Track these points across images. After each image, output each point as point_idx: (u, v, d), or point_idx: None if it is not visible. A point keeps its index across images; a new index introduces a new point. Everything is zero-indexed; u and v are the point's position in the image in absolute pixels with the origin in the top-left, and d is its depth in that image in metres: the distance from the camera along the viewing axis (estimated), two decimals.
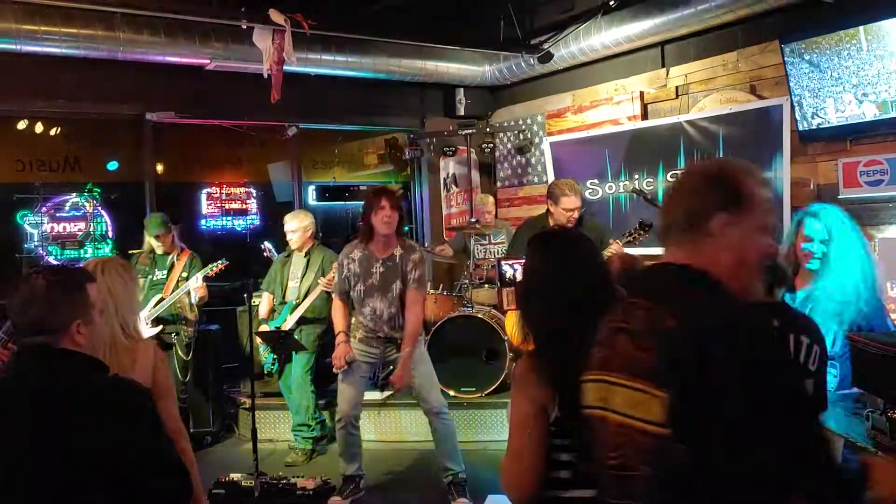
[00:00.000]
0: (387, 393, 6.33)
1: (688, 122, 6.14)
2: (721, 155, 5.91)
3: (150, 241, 5.77)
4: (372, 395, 6.28)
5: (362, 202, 9.36)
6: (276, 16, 5.69)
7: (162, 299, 5.60)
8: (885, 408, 2.61)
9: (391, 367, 5.02)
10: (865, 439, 2.67)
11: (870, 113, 4.94)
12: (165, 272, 5.73)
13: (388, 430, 6.10)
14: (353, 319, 4.90)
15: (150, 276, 5.72)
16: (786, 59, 5.27)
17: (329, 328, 5.61)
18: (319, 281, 5.68)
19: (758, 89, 5.79)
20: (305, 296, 5.76)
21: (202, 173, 9.14)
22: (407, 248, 4.78)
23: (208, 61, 6.28)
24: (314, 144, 9.44)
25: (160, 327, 5.62)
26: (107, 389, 2.03)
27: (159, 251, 5.78)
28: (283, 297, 5.86)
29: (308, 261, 5.87)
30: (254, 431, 4.49)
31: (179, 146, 8.50)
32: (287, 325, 5.68)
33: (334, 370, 4.82)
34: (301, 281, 5.82)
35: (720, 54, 6.05)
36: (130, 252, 5.86)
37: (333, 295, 4.97)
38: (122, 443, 1.94)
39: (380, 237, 4.68)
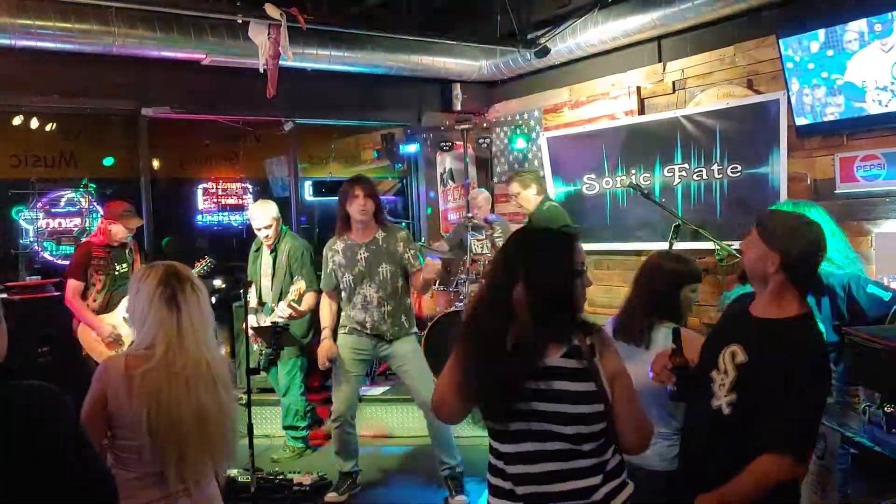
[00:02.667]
0: (384, 388, 6.35)
1: (685, 116, 6.13)
2: (718, 149, 5.91)
3: (117, 230, 5.47)
4: (372, 392, 6.30)
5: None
6: (271, 10, 5.67)
7: None
8: (881, 402, 2.61)
9: (384, 361, 5.03)
10: (861, 433, 2.67)
11: (867, 108, 4.94)
12: (126, 266, 5.54)
13: (382, 425, 6.10)
14: (343, 314, 4.85)
15: (107, 272, 5.45)
16: (783, 53, 5.26)
17: (312, 328, 5.60)
18: (279, 308, 5.36)
19: (755, 84, 5.78)
20: (280, 296, 5.50)
21: (198, 169, 9.12)
22: (388, 229, 4.75)
23: (204, 56, 6.25)
24: (310, 140, 9.42)
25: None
26: (20, 398, 1.88)
27: (125, 240, 5.53)
28: (261, 297, 5.70)
29: (274, 256, 5.64)
30: (249, 427, 4.47)
31: (175, 141, 8.48)
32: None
33: (320, 367, 4.83)
34: (272, 280, 5.61)
35: (717, 49, 6.03)
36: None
37: (323, 291, 4.93)
38: (36, 452, 1.81)
39: (357, 224, 4.66)
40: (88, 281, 5.39)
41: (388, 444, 5.93)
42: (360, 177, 4.85)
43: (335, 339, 4.79)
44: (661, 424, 2.75)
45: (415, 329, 4.90)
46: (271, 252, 5.65)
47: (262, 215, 5.53)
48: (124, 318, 5.27)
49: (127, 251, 5.58)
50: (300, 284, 5.21)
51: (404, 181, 8.87)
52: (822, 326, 2.71)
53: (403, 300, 4.78)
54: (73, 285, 5.36)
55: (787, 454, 2.18)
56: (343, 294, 4.78)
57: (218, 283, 5.69)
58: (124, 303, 5.26)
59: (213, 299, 5.45)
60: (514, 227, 7.26)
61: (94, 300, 5.38)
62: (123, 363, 2.40)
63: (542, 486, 2.12)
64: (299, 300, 5.19)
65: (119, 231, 5.46)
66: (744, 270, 2.52)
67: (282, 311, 5.21)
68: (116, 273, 5.48)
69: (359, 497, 4.93)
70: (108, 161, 8.09)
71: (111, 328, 5.35)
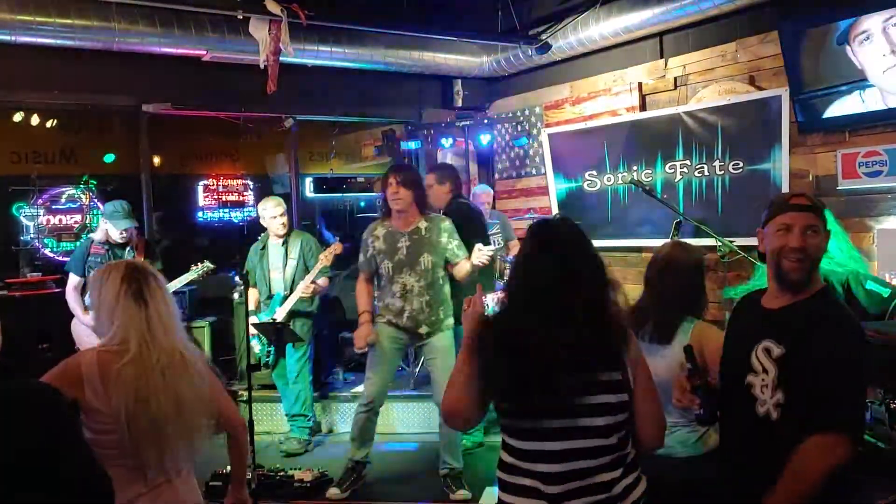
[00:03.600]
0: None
1: (686, 113, 6.11)
2: (720, 146, 5.90)
3: (110, 230, 5.43)
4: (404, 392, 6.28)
5: (359, 194, 9.44)
6: (272, 6, 5.66)
7: None
8: (884, 398, 2.60)
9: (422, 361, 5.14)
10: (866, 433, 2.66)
11: (869, 104, 4.92)
12: None
13: (387, 422, 6.11)
14: (379, 303, 4.82)
15: None
16: (784, 49, 5.24)
17: (318, 319, 5.61)
18: (299, 287, 5.52)
19: (756, 80, 5.76)
20: (292, 285, 5.60)
21: (199, 165, 9.12)
22: (432, 219, 4.74)
23: (205, 52, 6.25)
24: (311, 136, 9.41)
25: None
26: (12, 396, 1.86)
27: (119, 240, 5.46)
28: (270, 290, 5.72)
29: (286, 248, 5.71)
30: (250, 423, 4.46)
31: (176, 138, 8.47)
32: (279, 318, 5.60)
33: (356, 350, 4.88)
34: (284, 270, 5.67)
35: (719, 45, 6.02)
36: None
37: (360, 274, 4.91)
38: (31, 451, 1.80)
39: (396, 213, 4.69)
40: (87, 277, 5.38)
41: (391, 440, 5.93)
42: (398, 165, 4.99)
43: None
44: (679, 413, 2.75)
45: (451, 320, 4.80)
46: (282, 244, 5.71)
47: (275, 204, 5.68)
48: None
49: (127, 250, 5.54)
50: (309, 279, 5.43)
51: None
52: None
53: (442, 290, 4.76)
54: (72, 280, 5.36)
55: (843, 432, 2.02)
56: (381, 281, 4.77)
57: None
58: None
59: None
60: (513, 223, 7.28)
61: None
62: (96, 357, 2.40)
63: (574, 483, 2.09)
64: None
65: (112, 230, 5.44)
66: (803, 277, 2.26)
67: (303, 290, 5.45)
68: None
69: (360, 494, 4.92)
70: (109, 158, 8.08)
71: None
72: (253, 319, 5.35)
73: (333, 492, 4.78)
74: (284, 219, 5.66)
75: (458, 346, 4.48)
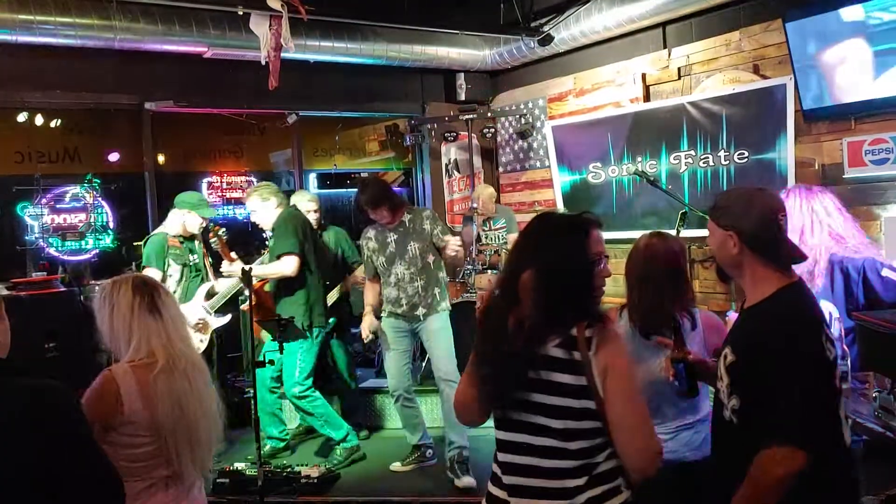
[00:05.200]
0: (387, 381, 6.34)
1: (690, 103, 6.08)
2: (725, 136, 5.87)
3: (192, 221, 5.48)
4: (376, 383, 6.31)
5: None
6: (273, 2, 5.63)
7: (212, 289, 5.52)
8: (892, 387, 2.58)
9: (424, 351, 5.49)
10: (872, 420, 2.64)
11: (875, 91, 4.88)
12: (198, 257, 5.59)
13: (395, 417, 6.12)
14: (384, 298, 5.12)
15: (186, 263, 5.50)
16: (789, 37, 5.20)
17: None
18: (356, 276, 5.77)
19: (761, 69, 5.72)
20: (337, 279, 5.74)
21: (203, 162, 9.12)
22: (413, 210, 5.04)
23: (206, 49, 6.24)
24: (315, 132, 9.40)
25: (229, 316, 5.57)
26: (27, 395, 1.88)
27: (198, 231, 5.54)
28: None
29: (324, 243, 5.81)
30: (256, 421, 4.47)
31: (179, 135, 8.47)
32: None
33: (363, 339, 5.28)
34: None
35: (722, 34, 5.98)
36: (137, 244, 5.65)
37: (366, 278, 5.24)
38: (44, 450, 1.81)
39: None
40: (165, 271, 5.39)
41: (396, 434, 5.93)
42: (361, 197, 4.94)
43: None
44: (686, 415, 2.75)
45: (445, 304, 5.04)
46: (320, 238, 5.78)
47: (310, 199, 5.80)
48: (203, 306, 5.44)
49: (196, 242, 5.63)
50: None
51: (409, 172, 8.84)
52: (836, 310, 2.67)
53: (435, 274, 4.99)
54: (153, 275, 5.20)
55: (791, 445, 1.99)
56: (381, 276, 5.08)
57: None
58: (202, 291, 5.48)
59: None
60: (520, 217, 7.26)
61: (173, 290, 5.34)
62: (131, 372, 2.43)
63: (524, 479, 2.08)
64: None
65: (194, 220, 5.50)
66: (718, 273, 2.36)
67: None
68: (191, 264, 5.56)
69: (367, 484, 4.95)
70: (113, 156, 8.08)
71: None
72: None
73: (395, 465, 5.21)
74: (318, 214, 5.77)
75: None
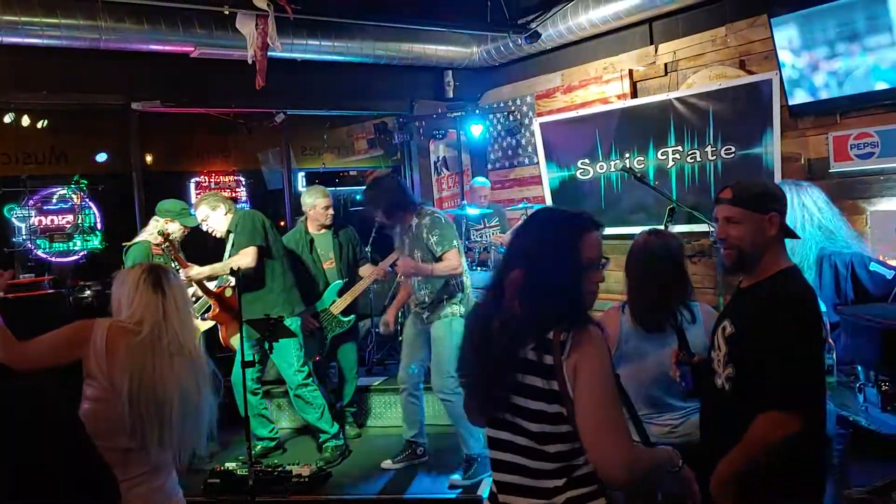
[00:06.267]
0: (379, 379, 6.37)
1: (677, 99, 6.10)
2: (711, 131, 5.89)
3: (174, 229, 5.42)
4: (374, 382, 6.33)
5: (353, 188, 9.42)
6: (259, 1, 5.62)
7: (196, 293, 5.44)
8: (876, 381, 2.60)
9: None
10: (857, 413, 2.66)
11: (859, 86, 4.91)
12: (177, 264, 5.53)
13: (385, 415, 6.13)
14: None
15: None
16: (774, 33, 5.23)
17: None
18: (370, 275, 5.82)
19: (747, 64, 5.75)
20: (341, 275, 5.75)
21: (190, 162, 9.08)
22: (420, 214, 4.90)
23: (193, 48, 6.21)
24: (303, 131, 9.38)
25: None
26: (22, 396, 1.91)
27: (180, 238, 5.49)
28: (325, 280, 5.77)
29: (338, 239, 5.81)
30: (246, 420, 4.46)
31: (166, 135, 8.44)
32: (338, 309, 5.71)
33: (382, 332, 5.56)
34: (339, 261, 5.76)
35: (709, 30, 6.00)
36: (125, 244, 5.63)
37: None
38: (38, 451, 1.83)
39: None
40: None
41: (390, 431, 5.95)
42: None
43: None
44: (691, 400, 2.83)
45: (449, 310, 4.86)
46: (333, 235, 5.80)
47: (324, 194, 5.77)
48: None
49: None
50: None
51: (397, 170, 8.83)
52: (822, 305, 2.69)
53: (438, 282, 4.87)
54: None
55: (777, 408, 2.15)
56: None
57: None
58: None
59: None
60: (507, 212, 7.27)
61: None
62: (107, 326, 2.53)
63: (509, 476, 2.10)
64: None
65: (178, 228, 5.43)
66: (734, 263, 2.42)
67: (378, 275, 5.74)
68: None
69: (359, 482, 4.97)
70: (101, 157, 8.04)
71: None
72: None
73: (386, 462, 5.22)
74: (332, 210, 5.78)
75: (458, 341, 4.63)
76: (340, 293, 5.76)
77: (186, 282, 5.05)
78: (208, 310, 5.47)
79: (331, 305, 5.73)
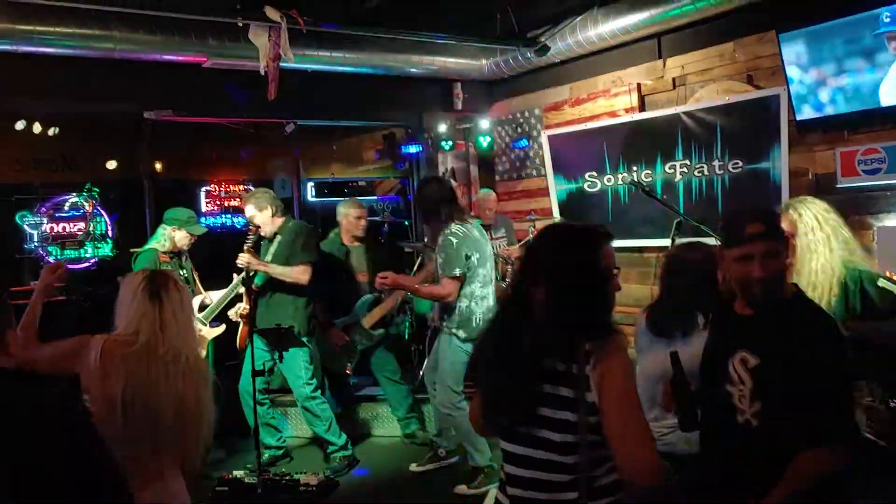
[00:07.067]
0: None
1: (685, 113, 6.14)
2: (719, 145, 5.92)
3: (181, 237, 5.47)
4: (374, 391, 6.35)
5: (361, 197, 9.45)
6: (271, 13, 5.68)
7: (204, 301, 5.52)
8: (883, 397, 2.62)
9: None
10: (865, 429, 2.67)
11: (867, 102, 4.94)
12: (186, 271, 5.58)
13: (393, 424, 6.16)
14: None
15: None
16: (782, 49, 5.26)
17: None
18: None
19: (755, 79, 5.78)
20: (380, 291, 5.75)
21: (201, 171, 9.12)
22: (446, 230, 4.79)
23: (205, 59, 6.26)
24: (313, 140, 9.42)
25: (223, 326, 5.57)
26: (40, 403, 1.93)
27: (187, 247, 5.55)
28: (358, 293, 5.82)
29: (371, 254, 5.88)
30: (255, 429, 4.50)
31: (177, 144, 8.48)
32: (369, 323, 5.73)
33: None
34: (371, 275, 5.67)
35: (717, 45, 6.04)
36: (134, 251, 5.66)
37: None
38: (53, 457, 1.85)
39: None
40: None
41: (386, 441, 6.01)
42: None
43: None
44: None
45: (460, 332, 4.77)
46: (367, 249, 5.89)
47: (360, 205, 5.89)
48: (198, 318, 5.32)
49: (184, 258, 5.61)
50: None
51: (406, 181, 8.87)
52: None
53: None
54: None
55: (839, 442, 2.07)
56: None
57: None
58: (195, 303, 5.36)
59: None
60: (514, 224, 7.30)
61: None
62: (102, 341, 2.52)
63: (523, 491, 2.12)
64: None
65: (185, 236, 5.48)
66: (769, 299, 2.29)
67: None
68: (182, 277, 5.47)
69: (366, 491, 4.97)
70: (111, 164, 8.09)
71: None
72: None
73: (413, 466, 5.32)
74: (366, 221, 5.86)
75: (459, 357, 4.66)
76: (371, 307, 5.77)
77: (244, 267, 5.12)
78: (223, 313, 5.51)
79: (362, 319, 5.75)
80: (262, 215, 5.40)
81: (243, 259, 5.14)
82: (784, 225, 3.10)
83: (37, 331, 2.73)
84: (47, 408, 1.92)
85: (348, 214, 5.81)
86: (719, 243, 2.45)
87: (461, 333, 4.76)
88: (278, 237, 5.38)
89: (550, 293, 2.08)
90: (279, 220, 5.44)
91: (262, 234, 5.48)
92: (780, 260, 2.27)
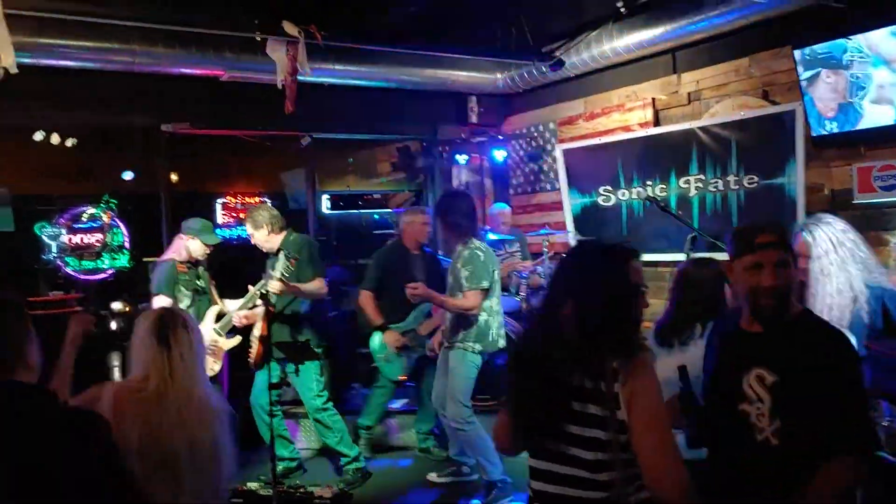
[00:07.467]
0: (399, 402, 6.39)
1: (700, 128, 6.14)
2: (734, 160, 5.92)
3: (196, 247, 5.46)
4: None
5: (376, 210, 9.50)
6: (289, 27, 5.73)
7: (221, 311, 5.52)
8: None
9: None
10: (882, 448, 2.66)
11: (884, 118, 4.93)
12: (203, 281, 5.57)
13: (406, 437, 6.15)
14: None
15: (196, 288, 5.46)
16: (798, 64, 5.26)
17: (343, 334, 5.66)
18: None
19: (770, 95, 5.78)
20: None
21: (217, 183, 9.19)
22: (466, 244, 4.87)
23: (223, 73, 6.32)
24: (328, 153, 9.46)
25: (239, 337, 5.55)
26: (60, 420, 1.94)
27: (202, 257, 5.54)
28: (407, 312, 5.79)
29: (426, 261, 5.86)
30: (271, 441, 4.51)
31: (194, 156, 8.54)
32: (425, 330, 5.72)
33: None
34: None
35: (732, 60, 6.04)
36: (147, 259, 5.68)
37: None
38: (73, 475, 1.86)
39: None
40: (176, 298, 5.32)
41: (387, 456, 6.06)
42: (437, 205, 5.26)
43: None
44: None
45: (469, 344, 4.81)
46: (423, 257, 5.86)
47: (424, 211, 5.92)
48: (214, 329, 5.36)
49: (200, 268, 5.59)
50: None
51: (420, 194, 8.90)
52: (853, 339, 2.70)
53: (463, 316, 4.83)
54: (164, 303, 5.18)
55: (860, 453, 2.10)
56: None
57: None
58: (211, 314, 5.41)
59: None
60: (528, 237, 7.31)
61: None
62: (114, 390, 2.57)
63: None
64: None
65: (199, 246, 5.48)
66: (779, 311, 2.30)
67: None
68: (199, 287, 5.52)
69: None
70: (129, 176, 8.16)
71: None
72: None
73: (432, 475, 5.41)
74: (430, 228, 5.89)
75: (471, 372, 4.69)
76: (428, 315, 5.78)
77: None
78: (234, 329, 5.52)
79: (418, 326, 5.76)
80: (259, 234, 5.45)
81: (275, 287, 5.07)
82: (797, 247, 3.11)
83: (67, 382, 2.76)
84: (46, 408, 1.94)
85: (414, 221, 5.82)
86: (728, 256, 2.45)
87: (477, 346, 4.78)
88: (282, 253, 5.38)
89: (578, 310, 2.10)
90: (278, 237, 5.44)
91: (263, 250, 5.53)
92: (790, 270, 2.29)
